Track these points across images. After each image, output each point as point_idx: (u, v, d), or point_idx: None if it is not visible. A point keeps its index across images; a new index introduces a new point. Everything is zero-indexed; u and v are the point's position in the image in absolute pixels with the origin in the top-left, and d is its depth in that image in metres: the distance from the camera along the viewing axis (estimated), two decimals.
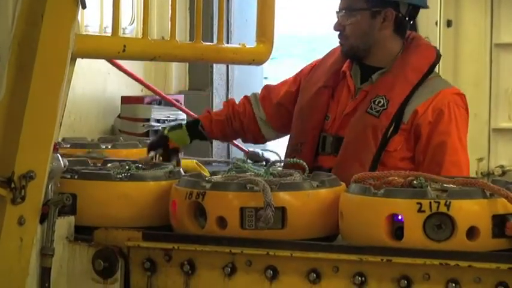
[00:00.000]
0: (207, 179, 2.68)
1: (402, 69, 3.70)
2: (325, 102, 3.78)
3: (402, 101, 3.61)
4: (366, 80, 3.71)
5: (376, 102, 3.62)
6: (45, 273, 2.44)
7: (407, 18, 3.79)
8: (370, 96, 3.65)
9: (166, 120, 5.66)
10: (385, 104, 3.61)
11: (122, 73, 5.69)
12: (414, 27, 5.53)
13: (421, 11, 5.51)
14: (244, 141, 4.10)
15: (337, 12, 3.74)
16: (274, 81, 4.15)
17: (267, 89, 4.05)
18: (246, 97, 4.03)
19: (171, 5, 3.34)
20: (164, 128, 4.02)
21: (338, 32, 3.74)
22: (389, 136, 3.59)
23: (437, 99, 3.62)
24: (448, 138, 3.56)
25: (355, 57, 3.78)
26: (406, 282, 2.37)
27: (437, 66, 5.30)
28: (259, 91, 4.08)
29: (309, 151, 3.74)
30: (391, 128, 3.60)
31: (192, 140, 3.86)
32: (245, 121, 3.91)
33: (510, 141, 5.54)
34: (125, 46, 3.07)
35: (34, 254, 2.35)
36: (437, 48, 5.35)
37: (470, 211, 2.38)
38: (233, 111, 3.93)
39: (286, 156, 3.84)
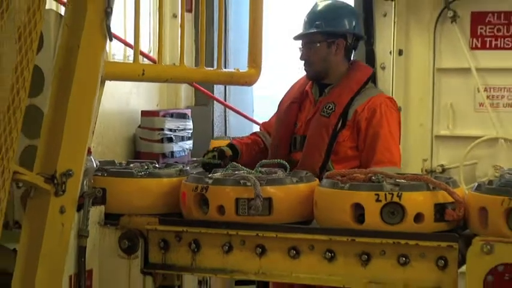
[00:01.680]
0: (209, 176, 2.68)
1: (347, 83, 3.88)
2: (294, 113, 3.96)
3: (346, 104, 3.79)
4: (321, 94, 3.89)
5: (327, 107, 3.81)
6: (81, 251, 2.45)
7: (352, 46, 4.00)
8: (323, 103, 3.83)
9: (177, 129, 5.65)
10: (334, 107, 3.79)
11: (141, 92, 5.68)
12: (373, 56, 5.58)
13: (378, 43, 5.64)
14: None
15: (300, 48, 3.94)
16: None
17: (264, 124, 4.26)
18: (255, 133, 4.22)
19: (180, 38, 3.35)
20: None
21: (303, 61, 3.93)
22: (338, 131, 3.77)
23: (371, 101, 3.79)
24: (380, 129, 3.73)
25: (317, 78, 3.96)
26: (366, 257, 2.38)
27: (391, 86, 5.38)
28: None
29: (284, 149, 3.91)
30: (339, 125, 3.77)
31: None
32: (259, 146, 4.07)
33: (448, 146, 5.55)
34: (143, 71, 3.07)
35: (72, 236, 2.35)
36: (391, 73, 5.43)
37: (417, 201, 2.38)
38: (252, 141, 4.07)
39: (270, 154, 3.99)
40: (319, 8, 4.00)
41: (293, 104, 4.00)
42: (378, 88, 4.23)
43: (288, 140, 3.96)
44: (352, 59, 4.08)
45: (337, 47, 3.88)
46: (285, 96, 4.10)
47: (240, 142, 4.00)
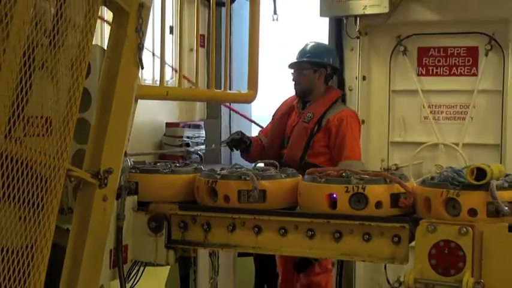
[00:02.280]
0: (218, 172, 2.67)
1: (322, 100, 4.22)
2: (284, 121, 4.32)
3: (321, 114, 4.13)
4: (304, 108, 4.21)
5: (307, 116, 4.16)
6: (119, 230, 2.44)
7: (330, 76, 4.36)
8: (305, 113, 4.19)
9: (193, 136, 5.66)
10: (312, 116, 4.14)
11: (166, 107, 5.72)
12: (343, 81, 5.60)
13: (346, 70, 5.68)
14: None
15: (292, 73, 4.30)
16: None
17: (261, 131, 4.66)
18: (256, 136, 4.57)
19: (195, 67, 3.35)
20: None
21: (294, 82, 4.30)
22: (314, 133, 4.10)
23: (340, 114, 4.15)
24: (346, 134, 4.06)
25: (302, 95, 4.28)
26: (338, 234, 2.37)
27: (357, 104, 5.41)
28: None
29: (277, 147, 4.28)
30: (315, 129, 4.11)
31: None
32: (259, 144, 4.40)
33: (401, 149, 5.56)
34: (167, 92, 3.08)
35: (112, 219, 2.34)
36: (357, 94, 5.48)
37: (377, 191, 2.37)
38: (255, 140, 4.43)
39: (267, 150, 4.32)
40: (309, 46, 4.44)
41: (284, 115, 4.33)
42: (345, 105, 4.51)
43: (280, 140, 4.27)
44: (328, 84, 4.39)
45: (319, 74, 4.24)
46: (277, 109, 4.43)
47: (251, 137, 4.43)
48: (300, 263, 4.07)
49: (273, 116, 4.44)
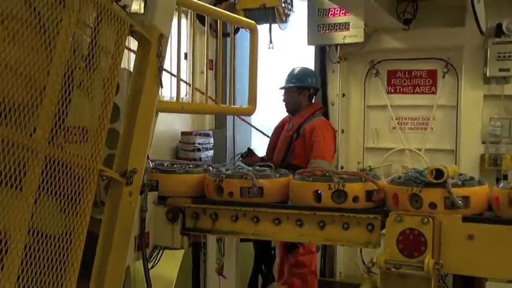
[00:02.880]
0: (223, 172, 2.67)
1: (302, 113, 4.28)
2: (279, 132, 4.38)
3: (299, 124, 4.21)
4: None
5: (289, 126, 4.27)
6: (142, 220, 2.43)
7: (313, 94, 4.42)
8: (287, 125, 4.29)
9: (203, 143, 5.65)
10: (292, 126, 4.23)
11: (181, 119, 5.71)
12: (326, 97, 5.60)
13: (329, 89, 5.70)
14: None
15: (283, 94, 4.38)
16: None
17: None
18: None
19: (205, 86, 3.35)
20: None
21: (284, 102, 4.40)
22: (294, 139, 4.18)
23: (312, 124, 4.20)
24: (316, 139, 4.10)
25: (291, 112, 4.35)
26: (322, 224, 2.37)
27: (337, 116, 5.41)
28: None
29: (271, 152, 4.34)
30: (295, 136, 4.18)
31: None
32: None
33: (374, 154, 5.56)
34: (182, 106, 3.08)
35: (136, 211, 2.33)
36: (338, 108, 5.49)
37: (354, 188, 2.37)
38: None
39: (266, 156, 4.35)
40: (295, 71, 4.49)
41: (278, 128, 4.45)
42: (321, 116, 4.43)
43: (275, 145, 4.36)
44: (313, 100, 4.45)
45: (303, 95, 4.34)
46: (276, 126, 4.53)
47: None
48: (288, 246, 4.09)
49: (273, 130, 4.54)
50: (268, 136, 4.92)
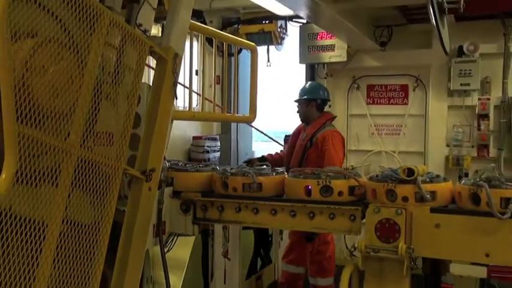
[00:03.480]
0: (228, 170, 2.66)
1: (314, 124, 4.10)
2: (296, 139, 4.20)
3: (312, 134, 4.02)
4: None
5: (303, 136, 4.07)
6: (159, 211, 2.42)
7: (322, 105, 4.22)
8: (302, 134, 4.10)
9: (211, 146, 5.64)
10: (306, 135, 4.04)
11: (193, 125, 5.70)
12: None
13: None
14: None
15: (297, 105, 4.20)
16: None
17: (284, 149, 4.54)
18: (279, 152, 4.41)
19: (213, 98, 3.34)
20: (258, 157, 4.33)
21: (298, 113, 4.23)
22: (308, 148, 4.01)
23: (324, 133, 4.00)
24: (327, 147, 3.94)
25: (304, 121, 4.21)
26: (312, 214, 2.36)
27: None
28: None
29: (289, 157, 4.15)
30: (309, 145, 4.01)
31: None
32: (280, 156, 4.30)
33: (355, 155, 5.57)
34: (194, 115, 3.07)
35: (155, 203, 2.32)
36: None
37: (339, 184, 2.36)
38: (278, 155, 4.31)
39: (284, 162, 4.16)
40: (307, 86, 4.37)
41: (294, 135, 4.28)
42: (331, 125, 4.20)
43: (291, 152, 4.18)
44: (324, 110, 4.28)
45: (312, 106, 4.18)
46: (293, 133, 4.34)
47: (269, 155, 4.27)
48: (306, 237, 4.10)
49: (290, 137, 4.38)
50: (268, 136, 4.90)
